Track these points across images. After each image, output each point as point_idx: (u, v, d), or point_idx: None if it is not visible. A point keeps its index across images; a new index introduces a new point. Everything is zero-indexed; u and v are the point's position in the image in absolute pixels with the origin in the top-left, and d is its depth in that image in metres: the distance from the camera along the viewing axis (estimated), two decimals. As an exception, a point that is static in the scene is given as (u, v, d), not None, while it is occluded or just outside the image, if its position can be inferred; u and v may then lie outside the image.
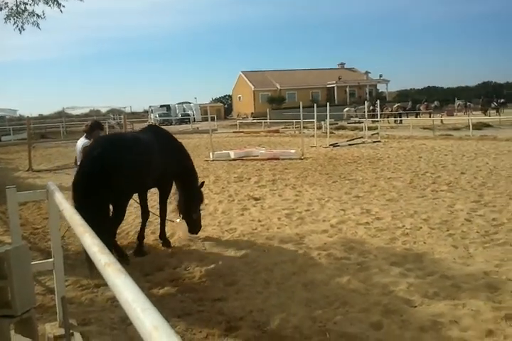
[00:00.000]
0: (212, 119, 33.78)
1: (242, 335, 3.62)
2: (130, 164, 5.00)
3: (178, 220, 6.42)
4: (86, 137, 6.27)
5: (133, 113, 63.83)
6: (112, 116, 52.68)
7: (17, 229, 3.39)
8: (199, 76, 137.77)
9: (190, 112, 55.18)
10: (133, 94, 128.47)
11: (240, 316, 3.93)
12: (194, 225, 6.19)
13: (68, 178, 12.93)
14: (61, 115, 47.69)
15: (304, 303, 4.09)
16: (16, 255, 2.61)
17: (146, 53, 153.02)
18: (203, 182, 6.57)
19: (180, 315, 4.04)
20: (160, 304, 4.27)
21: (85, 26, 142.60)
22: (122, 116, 23.15)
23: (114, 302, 4.21)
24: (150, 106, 60.11)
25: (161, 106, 59.75)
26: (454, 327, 3.56)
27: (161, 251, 5.84)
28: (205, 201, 8.57)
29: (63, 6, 9.26)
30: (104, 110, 64.93)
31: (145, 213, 6.01)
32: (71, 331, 3.22)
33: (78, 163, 5.68)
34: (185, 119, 49.74)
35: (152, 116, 54.56)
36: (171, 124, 49.33)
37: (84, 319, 3.96)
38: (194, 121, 48.04)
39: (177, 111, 57.97)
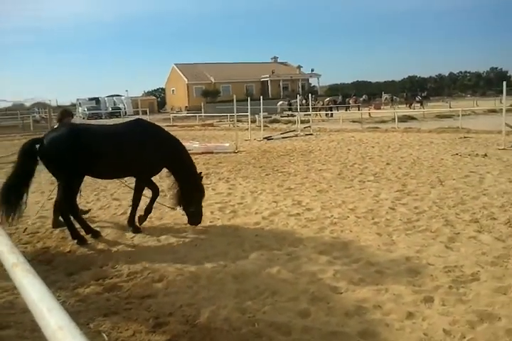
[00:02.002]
0: (145, 113, 33.07)
1: (171, 331, 3.56)
2: (76, 150, 5.47)
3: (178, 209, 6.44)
4: (59, 124, 6.68)
5: (59, 106, 60.75)
6: (36, 109, 49.84)
7: None
8: (130, 68, 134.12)
9: (121, 105, 53.49)
10: (59, 86, 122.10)
11: (168, 312, 3.85)
12: (193, 217, 6.17)
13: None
14: (-21, 108, 44.46)
15: (234, 295, 4.09)
16: None
17: (73, 44, 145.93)
18: (201, 173, 6.51)
19: (106, 313, 3.90)
20: (85, 303, 4.12)
21: (13, 14, 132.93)
22: (47, 110, 21.87)
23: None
24: (78, 99, 57.55)
25: (90, 99, 57.41)
26: (377, 312, 3.71)
27: (88, 249, 5.60)
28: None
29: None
30: (28, 104, 61.32)
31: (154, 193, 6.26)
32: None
33: None
34: (115, 113, 48.11)
35: (80, 109, 52.27)
36: (100, 118, 47.49)
37: (2, 322, 3.72)
38: (125, 114, 46.65)
39: (107, 104, 55.90)
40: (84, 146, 5.50)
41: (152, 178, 6.45)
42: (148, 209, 6.29)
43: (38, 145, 5.63)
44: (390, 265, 4.64)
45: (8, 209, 5.44)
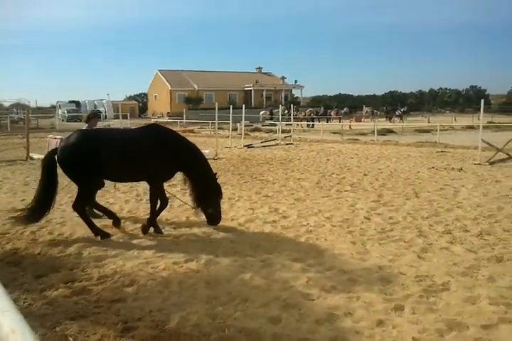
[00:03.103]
0: (125, 117, 32.77)
1: (139, 335, 3.49)
2: (88, 155, 5.73)
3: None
4: (87, 125, 7.45)
5: (39, 108, 59.81)
6: (15, 110, 48.93)
7: None
8: (113, 73, 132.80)
9: (101, 109, 52.88)
10: (39, 88, 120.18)
11: (138, 316, 3.78)
12: (211, 218, 6.37)
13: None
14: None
15: (205, 301, 4.05)
16: None
17: (57, 47, 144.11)
18: (216, 173, 6.58)
19: (73, 317, 3.80)
20: (52, 306, 4.02)
21: None
22: (26, 111, 21.52)
23: None
24: (58, 102, 56.70)
25: (70, 101, 56.69)
26: (348, 319, 3.71)
27: (59, 251, 5.47)
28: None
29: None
30: (7, 104, 60.12)
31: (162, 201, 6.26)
32: None
33: None
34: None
35: (60, 111, 51.48)
36: (80, 121, 46.85)
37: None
38: (105, 118, 46.10)
39: (87, 107, 55.28)
40: (93, 153, 5.74)
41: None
42: (152, 219, 6.22)
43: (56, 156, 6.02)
44: (363, 273, 4.66)
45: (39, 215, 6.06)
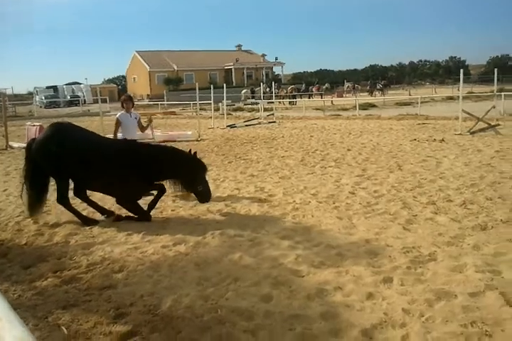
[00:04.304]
0: (105, 101, 32.17)
1: (132, 321, 3.49)
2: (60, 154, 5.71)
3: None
4: (124, 110, 7.60)
5: (15, 95, 58.32)
6: (-10, 98, 47.72)
7: None
8: (90, 56, 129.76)
9: (80, 94, 51.85)
10: (15, 74, 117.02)
11: (129, 302, 3.78)
12: (202, 195, 6.15)
13: None
14: None
15: (196, 282, 4.06)
16: None
17: (31, 31, 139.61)
18: (196, 152, 6.33)
19: (65, 306, 3.78)
20: (43, 296, 4.00)
21: None
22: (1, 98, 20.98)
23: None
24: (35, 88, 55.41)
25: (48, 87, 55.42)
26: (338, 293, 3.76)
27: (45, 241, 5.42)
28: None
29: None
30: (-19, 92, 58.42)
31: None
32: None
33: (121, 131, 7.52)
34: (74, 101, 46.64)
35: (37, 98, 50.36)
36: (58, 107, 46.03)
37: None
38: (84, 103, 45.27)
39: (65, 92, 54.19)
40: (61, 150, 5.70)
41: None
42: (152, 205, 6.13)
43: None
44: (350, 247, 4.71)
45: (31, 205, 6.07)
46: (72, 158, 5.71)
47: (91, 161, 5.78)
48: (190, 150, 6.40)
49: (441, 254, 4.42)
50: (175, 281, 4.11)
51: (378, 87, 40.59)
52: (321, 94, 38.05)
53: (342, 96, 39.19)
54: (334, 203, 6.45)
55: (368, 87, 42.93)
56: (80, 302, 3.84)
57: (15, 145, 15.11)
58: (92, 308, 3.74)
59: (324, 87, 42.76)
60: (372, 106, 27.11)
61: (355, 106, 23.59)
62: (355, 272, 4.12)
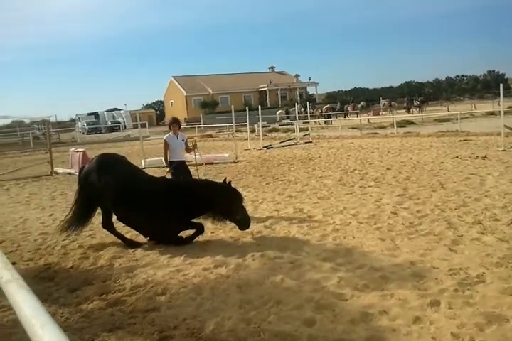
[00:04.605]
0: (144, 126, 33.11)
1: (176, 344, 3.52)
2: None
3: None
4: (171, 132, 7.76)
5: (59, 122, 60.90)
6: (36, 126, 49.98)
7: None
8: (128, 82, 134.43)
9: (120, 119, 53.63)
10: (58, 103, 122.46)
11: (173, 325, 3.81)
12: (241, 223, 6.11)
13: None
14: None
15: (238, 305, 4.05)
16: None
17: (70, 61, 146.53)
18: (230, 182, 6.40)
19: (110, 329, 3.85)
20: (89, 319, 4.08)
21: (13, 32, 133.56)
22: (46, 126, 22.01)
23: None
24: (77, 115, 57.75)
25: (89, 113, 57.65)
26: (384, 317, 3.66)
27: (90, 264, 5.57)
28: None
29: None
30: (28, 121, 61.37)
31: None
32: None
33: (169, 156, 7.66)
34: (115, 127, 48.25)
35: (80, 124, 52.41)
36: (100, 133, 47.75)
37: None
38: (125, 128, 46.74)
39: (106, 118, 56.16)
40: (104, 184, 5.93)
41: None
42: (188, 241, 6.18)
43: None
44: (395, 270, 4.60)
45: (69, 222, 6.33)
46: (110, 191, 5.91)
47: (126, 196, 5.93)
48: (225, 179, 6.49)
49: (489, 276, 4.25)
50: (217, 304, 4.12)
51: (416, 104, 39.98)
52: (357, 113, 37.82)
53: (378, 114, 38.84)
54: (376, 224, 6.33)
55: (404, 104, 42.37)
56: (125, 325, 3.90)
57: (59, 170, 15.72)
58: (137, 331, 3.79)
59: (360, 106, 42.57)
60: (411, 123, 26.67)
61: (393, 124, 23.28)
62: (400, 295, 4.01)
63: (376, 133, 22.23)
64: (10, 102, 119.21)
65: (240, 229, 6.19)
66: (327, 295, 4.12)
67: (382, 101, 46.37)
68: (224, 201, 6.03)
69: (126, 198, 5.94)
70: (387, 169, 11.12)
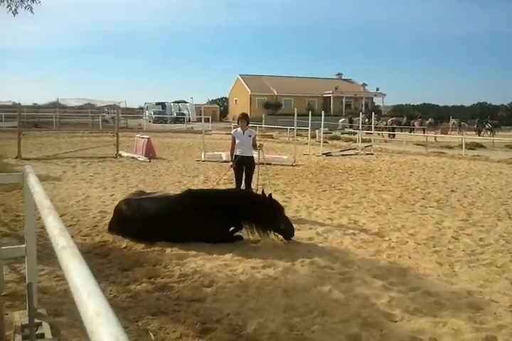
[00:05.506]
0: (207, 120, 33.81)
1: (217, 338, 3.52)
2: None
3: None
4: (239, 127, 7.90)
5: (128, 108, 63.38)
6: (106, 110, 52.28)
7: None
8: (197, 76, 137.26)
9: (185, 112, 54.91)
10: (130, 89, 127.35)
11: (216, 318, 3.82)
12: (286, 232, 6.09)
13: (56, 168, 12.81)
14: (55, 106, 47.16)
15: (282, 309, 4.00)
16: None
17: (144, 50, 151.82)
18: (271, 194, 6.38)
19: (155, 312, 3.92)
20: (135, 300, 4.18)
21: (84, 19, 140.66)
22: (116, 111, 22.92)
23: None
24: (145, 103, 59.76)
25: (157, 103, 59.38)
26: (434, 345, 3.48)
27: (143, 247, 5.69)
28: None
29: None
30: (99, 104, 64.36)
31: None
32: (39, 321, 3.09)
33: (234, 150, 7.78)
34: (180, 118, 49.47)
35: (147, 113, 54.25)
36: (165, 122, 49.13)
37: (56, 310, 3.82)
38: (189, 120, 47.83)
39: (172, 109, 57.65)
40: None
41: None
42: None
43: None
44: (450, 297, 4.36)
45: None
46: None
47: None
48: (262, 191, 6.51)
49: (556, 318, 3.93)
50: (262, 305, 4.08)
51: (487, 127, 38.06)
52: (424, 129, 36.51)
53: (446, 133, 37.33)
54: (434, 247, 6.05)
55: (475, 126, 40.45)
56: (170, 311, 3.96)
57: (124, 154, 16.33)
58: (180, 319, 3.83)
59: (427, 122, 41.05)
60: (480, 146, 25.38)
61: (461, 145, 22.27)
62: (454, 325, 3.79)
63: (443, 153, 21.34)
64: (86, 83, 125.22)
65: (285, 238, 6.13)
66: (376, 313, 3.98)
67: (452, 120, 44.45)
68: (266, 213, 5.97)
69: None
70: (452, 191, 10.63)
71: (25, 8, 9.22)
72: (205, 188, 7.41)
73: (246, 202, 6.11)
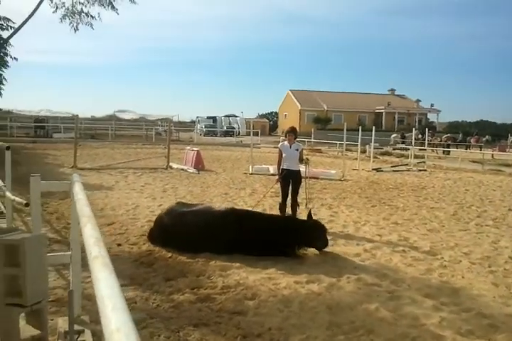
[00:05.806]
0: (256, 134, 34.03)
1: (257, 353, 3.45)
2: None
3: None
4: (287, 140, 7.84)
5: (180, 122, 65.05)
6: (160, 123, 53.88)
7: (37, 217, 3.36)
8: (247, 91, 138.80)
9: (235, 125, 55.76)
10: (182, 103, 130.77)
11: (257, 332, 3.75)
12: (321, 246, 6.12)
13: (109, 178, 13.27)
14: (111, 118, 49.11)
15: (325, 326, 3.87)
16: (32, 244, 2.56)
17: (197, 65, 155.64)
18: (317, 222, 6.41)
19: (196, 323, 3.90)
20: (178, 310, 4.18)
21: (141, 36, 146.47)
22: (168, 124, 23.57)
23: (131, 304, 4.13)
24: (197, 117, 61.19)
25: (208, 117, 60.70)
26: (488, 372, 3.25)
27: (188, 257, 5.73)
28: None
29: (117, 9, 9.44)
30: (153, 117, 66.37)
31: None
32: (82, 328, 3.14)
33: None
34: (229, 132, 50.29)
35: (198, 126, 55.49)
36: (216, 136, 50.06)
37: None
38: (239, 134, 48.46)
39: (223, 123, 58.75)
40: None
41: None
42: None
43: None
44: (506, 320, 4.09)
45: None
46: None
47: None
48: (310, 212, 6.45)
49: None
50: (304, 321, 3.98)
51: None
52: (480, 147, 35.02)
53: (505, 151, 35.62)
54: (490, 267, 5.70)
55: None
56: (211, 323, 3.93)
57: (174, 166, 16.68)
58: (221, 331, 3.79)
59: (484, 139, 39.39)
60: (542, 165, 23.97)
61: (521, 163, 21.15)
62: (511, 351, 3.53)
63: (500, 171, 20.33)
64: (142, 97, 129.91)
65: (318, 250, 6.13)
66: (425, 333, 3.77)
67: (511, 138, 42.44)
68: (310, 237, 6.01)
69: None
70: (510, 210, 10.05)
71: (86, 24, 9.73)
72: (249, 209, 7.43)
73: (287, 234, 6.01)
